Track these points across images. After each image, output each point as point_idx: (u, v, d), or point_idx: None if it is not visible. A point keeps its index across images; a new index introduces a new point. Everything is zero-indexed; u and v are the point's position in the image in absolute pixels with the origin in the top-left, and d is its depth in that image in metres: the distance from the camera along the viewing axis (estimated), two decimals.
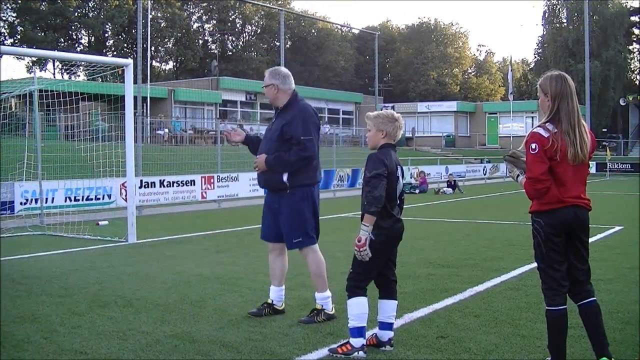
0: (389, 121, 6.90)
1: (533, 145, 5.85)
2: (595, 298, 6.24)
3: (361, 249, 6.53)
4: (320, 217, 8.33)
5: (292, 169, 8.05)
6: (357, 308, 6.67)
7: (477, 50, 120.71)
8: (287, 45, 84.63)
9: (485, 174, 49.41)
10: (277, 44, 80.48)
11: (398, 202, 6.91)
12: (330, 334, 7.39)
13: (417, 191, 33.85)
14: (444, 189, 34.46)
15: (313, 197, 8.26)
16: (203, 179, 25.73)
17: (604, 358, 6.06)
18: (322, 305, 8.13)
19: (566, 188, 5.94)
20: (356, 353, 6.58)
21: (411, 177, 37.41)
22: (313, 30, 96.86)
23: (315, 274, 8.23)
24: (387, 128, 6.88)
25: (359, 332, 6.63)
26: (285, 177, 8.06)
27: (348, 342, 6.66)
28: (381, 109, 70.55)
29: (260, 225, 8.61)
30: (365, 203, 6.56)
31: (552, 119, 5.94)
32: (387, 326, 6.91)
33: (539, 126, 5.94)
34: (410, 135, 71.37)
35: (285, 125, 8.09)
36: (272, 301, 8.46)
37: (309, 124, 8.13)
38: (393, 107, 77.41)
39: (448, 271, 11.34)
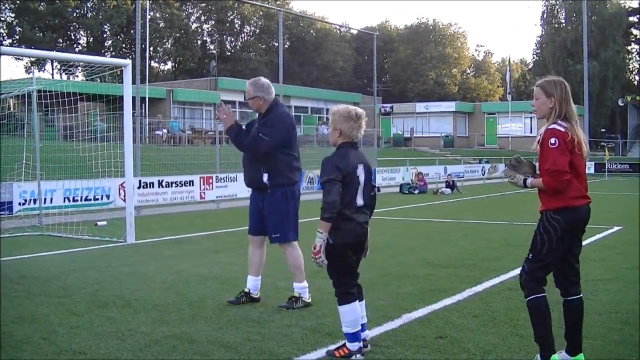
0: (344, 119, 6.65)
1: (552, 140, 5.91)
2: (581, 296, 6.34)
3: (316, 256, 6.50)
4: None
5: (239, 148, 8.83)
6: (348, 315, 6.62)
7: (476, 50, 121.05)
8: (286, 46, 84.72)
9: (483, 174, 49.40)
10: (276, 44, 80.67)
11: (362, 203, 6.68)
12: (328, 334, 7.39)
13: (416, 191, 33.87)
14: (443, 189, 34.45)
15: (293, 196, 8.84)
16: (202, 180, 25.73)
17: (581, 355, 6.23)
18: (300, 294, 8.81)
19: (583, 183, 6.03)
20: (354, 356, 6.57)
21: (410, 178, 37.42)
22: (312, 31, 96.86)
23: (294, 266, 8.87)
24: (342, 126, 6.65)
25: (353, 336, 6.61)
26: (265, 178, 8.71)
27: (345, 345, 6.64)
28: (380, 110, 70.94)
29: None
30: (321, 209, 6.50)
31: (562, 119, 6.01)
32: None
33: (552, 124, 5.99)
34: (409, 135, 71.43)
35: (260, 128, 8.66)
36: (249, 290, 9.08)
37: (275, 129, 8.64)
38: (392, 108, 77.65)
39: (446, 271, 11.34)
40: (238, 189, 26.78)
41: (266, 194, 8.78)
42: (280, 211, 8.75)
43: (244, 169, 9.08)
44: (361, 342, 6.64)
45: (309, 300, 8.80)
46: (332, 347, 6.81)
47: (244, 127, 8.96)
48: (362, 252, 6.84)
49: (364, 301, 6.92)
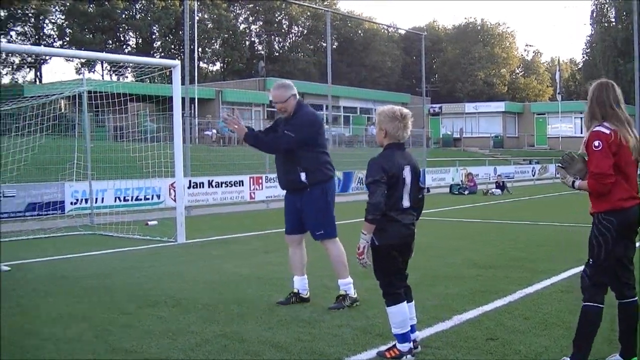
0: (390, 119, 6.59)
1: (596, 143, 5.87)
2: (637, 298, 6.26)
3: (360, 257, 6.46)
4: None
5: (261, 148, 9.07)
6: (396, 316, 6.58)
7: (525, 50, 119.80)
8: (334, 46, 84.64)
9: (534, 175, 49.01)
10: (324, 44, 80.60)
11: (408, 205, 6.62)
12: (379, 335, 7.36)
13: (466, 192, 33.75)
14: (493, 190, 34.25)
15: (330, 192, 8.95)
16: (251, 180, 25.82)
17: (635, 359, 6.16)
18: (346, 291, 8.84)
19: (632, 184, 5.98)
20: (404, 357, 6.53)
21: (460, 179, 37.28)
22: (359, 31, 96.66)
23: (337, 262, 8.91)
24: (387, 127, 6.60)
25: (403, 337, 6.57)
26: (303, 177, 8.72)
27: (395, 346, 6.61)
28: (428, 110, 70.66)
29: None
30: (365, 210, 6.46)
31: (608, 120, 5.96)
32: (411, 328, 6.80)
33: (597, 126, 5.94)
34: (458, 136, 71.09)
35: (286, 125, 8.77)
36: (298, 290, 9.12)
37: (299, 126, 8.72)
38: (440, 108, 77.34)
39: (496, 272, 11.25)
40: None
41: (304, 193, 8.81)
42: (321, 208, 8.84)
43: (279, 172, 9.08)
44: (411, 343, 6.60)
45: (356, 296, 8.84)
46: (383, 348, 6.78)
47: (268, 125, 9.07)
48: (409, 253, 6.78)
49: (412, 302, 6.86)
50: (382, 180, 6.37)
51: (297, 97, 8.91)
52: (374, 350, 6.84)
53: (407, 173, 6.57)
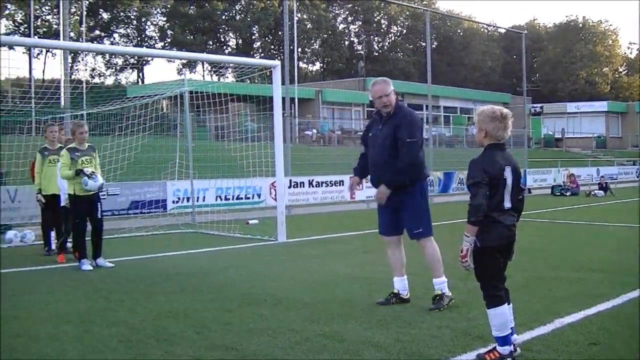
0: (490, 119, 6.46)
1: None
2: None
3: (463, 260, 6.39)
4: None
5: (408, 175, 8.73)
6: (497, 318, 6.48)
7: (628, 48, 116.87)
8: (433, 46, 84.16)
9: (638, 176, 47.90)
10: (423, 44, 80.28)
11: (509, 206, 6.48)
12: (479, 337, 7.27)
13: (568, 193, 33.28)
14: (595, 191, 33.63)
15: (426, 190, 9.00)
16: (352, 180, 25.76)
17: None
18: (442, 290, 8.80)
19: None
20: None
21: (562, 179, 36.75)
22: (459, 30, 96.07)
23: (433, 260, 8.89)
24: (487, 127, 6.48)
25: (503, 340, 6.47)
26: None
27: (495, 349, 6.53)
28: (529, 110, 69.71)
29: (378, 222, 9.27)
30: (467, 212, 6.38)
31: None
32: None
33: None
34: (560, 136, 69.98)
35: (396, 129, 8.69)
36: (398, 291, 9.09)
37: (414, 127, 8.75)
38: (542, 108, 76.22)
39: (600, 276, 10.99)
40: None
41: (404, 191, 8.75)
42: (420, 207, 8.84)
43: (377, 170, 8.95)
44: (512, 346, 6.51)
45: (450, 294, 8.81)
46: (483, 350, 6.70)
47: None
48: (510, 255, 6.67)
49: (511, 304, 6.77)
50: (484, 182, 6.29)
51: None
52: (473, 352, 6.76)
53: (508, 174, 6.45)
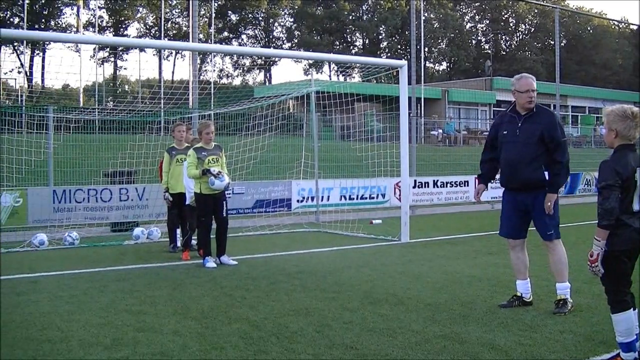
0: (620, 119, 6.27)
1: None
2: None
3: (593, 265, 6.21)
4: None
5: (566, 176, 8.71)
6: (622, 324, 6.30)
7: None
8: (562, 44, 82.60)
9: None
10: (552, 42, 78.83)
11: (638, 208, 6.25)
12: (602, 342, 7.10)
13: None
14: None
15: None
16: (477, 180, 25.46)
17: None
18: (565, 295, 8.61)
19: None
20: None
21: None
22: (589, 28, 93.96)
23: (560, 263, 8.69)
24: (617, 126, 6.28)
25: (628, 347, 6.30)
26: (546, 175, 8.52)
27: (619, 355, 6.37)
28: None
29: (501, 223, 9.14)
30: (597, 215, 6.18)
31: None
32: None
33: None
34: None
35: (545, 129, 8.48)
36: (521, 294, 8.94)
37: (561, 126, 8.69)
38: None
39: None
40: None
41: (539, 192, 8.57)
42: (554, 208, 8.60)
43: (516, 170, 8.72)
44: (636, 353, 6.32)
45: (572, 300, 8.61)
46: (606, 356, 6.56)
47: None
48: (637, 259, 6.47)
49: (637, 310, 6.55)
50: (616, 185, 6.11)
51: None
52: (596, 358, 6.65)
53: (639, 175, 6.26)
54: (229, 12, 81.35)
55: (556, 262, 8.70)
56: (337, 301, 9.18)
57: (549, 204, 8.47)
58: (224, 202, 12.54)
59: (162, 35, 57.41)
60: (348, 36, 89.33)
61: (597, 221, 6.17)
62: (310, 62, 76.98)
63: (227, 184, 12.61)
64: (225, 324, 7.95)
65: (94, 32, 61.34)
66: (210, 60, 71.59)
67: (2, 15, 64.34)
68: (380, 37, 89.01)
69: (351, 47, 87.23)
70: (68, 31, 65.97)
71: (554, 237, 8.64)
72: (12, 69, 67.54)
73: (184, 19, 75.22)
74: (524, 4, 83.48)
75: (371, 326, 7.81)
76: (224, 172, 12.57)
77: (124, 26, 76.65)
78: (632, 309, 6.34)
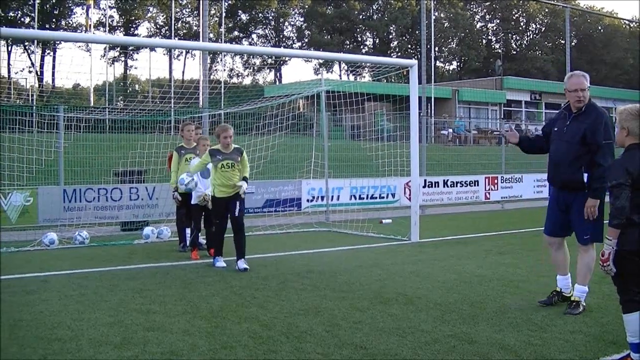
0: (632, 117, 6.30)
1: None
2: None
3: (605, 264, 6.21)
4: None
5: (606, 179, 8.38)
6: (632, 324, 6.29)
7: None
8: (573, 43, 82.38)
9: None
10: (563, 42, 78.56)
11: None
12: (612, 342, 7.11)
13: None
14: None
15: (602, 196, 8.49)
16: (487, 180, 25.52)
17: None
18: (580, 298, 8.60)
19: None
20: None
21: None
22: (599, 27, 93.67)
23: (586, 266, 8.61)
24: (629, 125, 6.31)
25: (638, 347, 6.29)
26: (585, 177, 8.37)
27: (629, 356, 6.36)
28: None
29: (545, 221, 9.05)
30: (609, 215, 6.20)
31: None
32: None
33: None
34: None
35: (588, 129, 8.37)
36: (561, 289, 8.96)
37: (609, 128, 8.36)
38: None
39: None
40: (524, 190, 26.40)
41: (580, 194, 8.47)
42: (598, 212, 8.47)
43: (558, 168, 8.68)
44: None
45: (585, 304, 8.56)
46: (616, 356, 6.57)
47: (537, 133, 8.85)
48: None
49: None
50: (627, 183, 6.14)
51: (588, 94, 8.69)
52: (606, 358, 6.65)
53: None
54: (239, 11, 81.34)
55: (584, 265, 8.63)
56: (347, 301, 9.18)
57: (589, 209, 8.33)
58: (237, 202, 12.35)
59: (173, 34, 57.26)
60: (358, 36, 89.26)
61: (607, 221, 6.17)
62: (321, 61, 76.76)
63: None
64: (235, 323, 7.95)
65: (105, 31, 61.28)
66: (221, 60, 71.54)
67: (13, 14, 64.53)
68: (391, 36, 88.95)
69: (361, 47, 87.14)
70: (78, 31, 66.00)
71: (590, 241, 8.55)
72: (23, 69, 67.93)
73: (195, 18, 75.21)
74: (534, 4, 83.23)
75: (381, 326, 7.81)
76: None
77: (134, 26, 76.64)
78: None
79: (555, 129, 8.82)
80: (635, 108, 6.36)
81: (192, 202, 13.57)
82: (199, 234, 13.76)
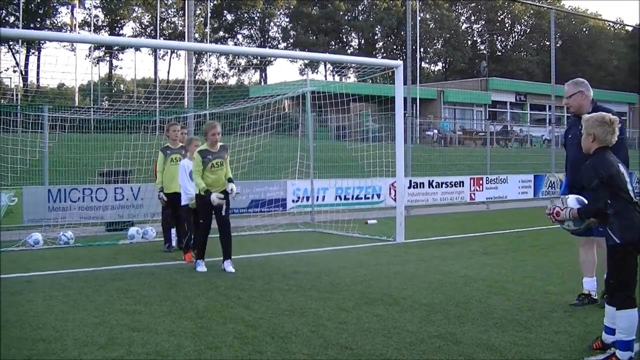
0: (598, 124, 6.59)
1: None
2: None
3: (554, 218, 6.87)
4: None
5: None
6: (626, 321, 6.34)
7: None
8: (558, 45, 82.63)
9: None
10: (547, 43, 78.88)
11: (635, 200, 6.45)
12: None
13: None
14: None
15: None
16: (472, 181, 25.58)
17: None
18: (589, 291, 8.90)
19: None
20: None
21: None
22: (584, 29, 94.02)
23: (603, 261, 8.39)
24: (595, 131, 6.59)
25: (626, 345, 6.33)
26: None
27: (614, 355, 6.38)
28: None
29: None
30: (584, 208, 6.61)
31: None
32: (610, 330, 6.65)
33: None
34: None
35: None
36: (589, 292, 8.99)
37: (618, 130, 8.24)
38: None
39: None
40: (508, 191, 26.49)
41: None
42: None
43: (574, 170, 8.79)
44: (633, 353, 6.36)
45: (596, 297, 8.78)
46: (601, 356, 6.59)
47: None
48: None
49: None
50: (602, 183, 6.35)
51: (589, 97, 8.79)
52: (591, 358, 6.67)
53: (623, 169, 6.57)
54: (225, 11, 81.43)
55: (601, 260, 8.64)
56: (332, 301, 9.18)
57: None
58: (224, 201, 12.19)
59: (158, 34, 57.38)
60: (344, 36, 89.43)
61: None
62: (306, 62, 76.89)
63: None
64: (220, 323, 7.94)
65: (90, 31, 61.23)
66: (206, 60, 71.58)
67: None
68: (376, 37, 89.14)
69: (347, 47, 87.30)
70: (63, 30, 65.95)
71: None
72: (8, 68, 67.78)
73: (180, 18, 75.25)
74: (519, 5, 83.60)
75: (366, 326, 7.81)
76: (224, 198, 12.27)
77: (119, 25, 76.61)
78: (637, 307, 6.39)
79: (570, 135, 8.98)
80: (602, 115, 6.66)
81: (183, 203, 13.47)
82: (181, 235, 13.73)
